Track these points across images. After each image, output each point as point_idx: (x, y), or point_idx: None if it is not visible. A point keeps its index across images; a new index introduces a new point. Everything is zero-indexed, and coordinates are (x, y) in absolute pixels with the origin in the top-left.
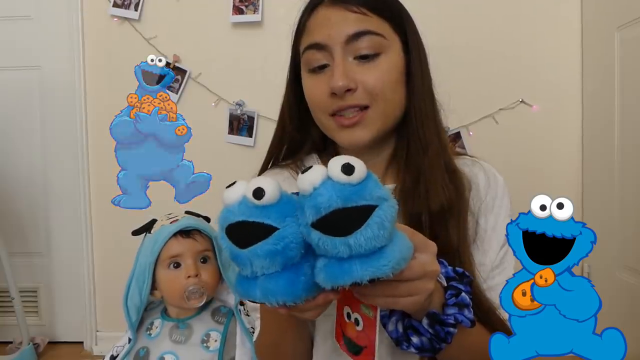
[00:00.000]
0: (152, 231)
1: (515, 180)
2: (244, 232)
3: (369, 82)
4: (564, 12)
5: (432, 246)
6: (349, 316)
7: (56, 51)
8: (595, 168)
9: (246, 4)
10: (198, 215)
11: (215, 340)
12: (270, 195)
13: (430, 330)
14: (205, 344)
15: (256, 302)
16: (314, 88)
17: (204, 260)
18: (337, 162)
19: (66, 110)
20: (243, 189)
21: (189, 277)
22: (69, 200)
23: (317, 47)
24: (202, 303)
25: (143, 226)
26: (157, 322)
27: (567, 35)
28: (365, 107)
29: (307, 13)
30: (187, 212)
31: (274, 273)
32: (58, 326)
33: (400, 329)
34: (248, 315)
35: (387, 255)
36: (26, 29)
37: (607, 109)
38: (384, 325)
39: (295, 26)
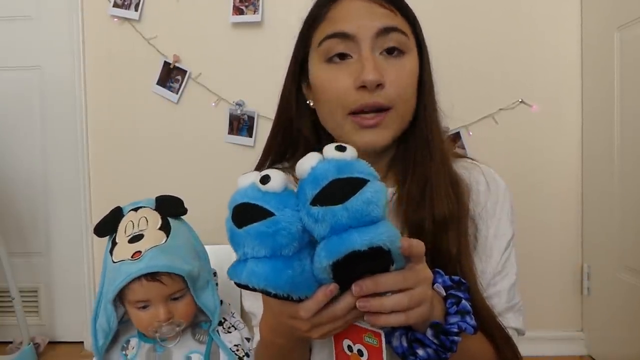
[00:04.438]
0: (117, 239)
1: (515, 181)
2: (244, 213)
3: (395, 80)
4: (564, 12)
5: (422, 249)
6: (350, 349)
7: (56, 51)
8: (595, 168)
9: (246, 4)
10: (171, 199)
11: None
12: (274, 183)
13: (435, 341)
14: None
15: (241, 287)
16: (334, 80)
17: (179, 295)
18: (331, 145)
19: (66, 110)
20: (254, 177)
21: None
22: (69, 200)
23: (343, 36)
24: (178, 338)
25: (105, 219)
26: (134, 342)
27: (567, 35)
28: (386, 109)
29: (329, 2)
30: (159, 198)
31: (262, 258)
32: (58, 326)
33: (405, 343)
34: (230, 332)
35: (382, 226)
36: (26, 29)
37: (607, 108)
38: (388, 342)
39: (309, 16)
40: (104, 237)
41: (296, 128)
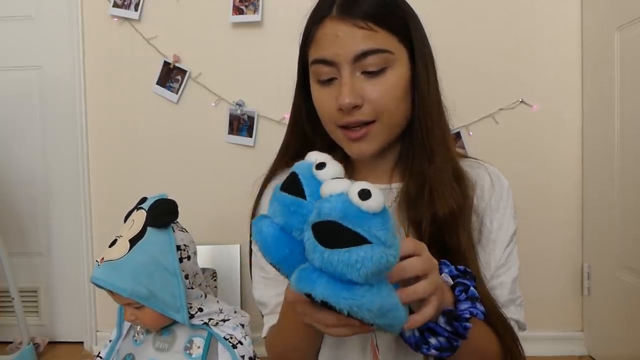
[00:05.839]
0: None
1: (515, 181)
2: (289, 181)
3: (375, 98)
4: (564, 12)
5: (423, 245)
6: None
7: (56, 51)
8: (595, 168)
9: (246, 4)
10: (162, 208)
11: (199, 347)
12: (325, 172)
13: (448, 328)
14: (188, 351)
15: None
16: (322, 100)
17: (138, 305)
18: (359, 185)
19: (66, 110)
20: (319, 157)
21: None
22: (69, 200)
23: (324, 62)
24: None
25: (130, 210)
26: (143, 328)
27: (567, 35)
28: (371, 122)
29: (315, 23)
30: (154, 203)
31: (275, 224)
32: (58, 326)
33: (417, 333)
34: (220, 325)
35: (354, 293)
36: (26, 29)
37: (607, 108)
38: (400, 333)
39: (303, 32)
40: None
41: (311, 129)
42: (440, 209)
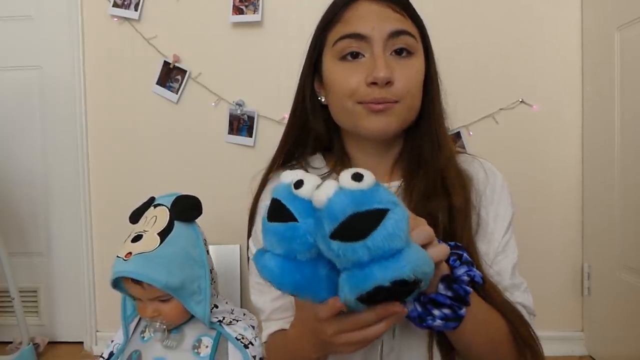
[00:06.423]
0: (132, 232)
1: (515, 180)
2: (274, 209)
3: (403, 78)
4: (564, 12)
5: (423, 220)
6: None
7: (56, 51)
8: (595, 168)
9: (246, 4)
10: (186, 203)
11: (207, 346)
12: (305, 190)
13: (449, 294)
14: (196, 350)
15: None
16: (346, 76)
17: (165, 298)
18: (347, 173)
19: (66, 110)
20: (295, 176)
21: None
22: (69, 200)
23: (357, 37)
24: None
25: (138, 208)
26: (162, 324)
27: (567, 35)
28: (394, 102)
29: (344, 5)
30: (177, 198)
31: (277, 255)
32: (58, 326)
33: (420, 307)
34: (232, 324)
35: (405, 257)
36: (26, 29)
37: (607, 108)
38: None
39: (324, 16)
40: (136, 224)
41: (309, 126)
42: (454, 201)
